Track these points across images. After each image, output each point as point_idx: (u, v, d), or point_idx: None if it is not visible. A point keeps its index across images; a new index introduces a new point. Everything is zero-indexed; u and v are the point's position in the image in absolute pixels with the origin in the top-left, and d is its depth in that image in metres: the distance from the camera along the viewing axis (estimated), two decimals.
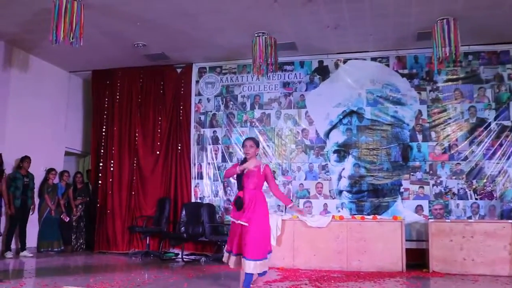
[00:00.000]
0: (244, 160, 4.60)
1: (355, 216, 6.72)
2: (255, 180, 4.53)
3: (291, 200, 4.70)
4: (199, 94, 8.36)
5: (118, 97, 8.73)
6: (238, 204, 4.50)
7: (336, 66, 7.75)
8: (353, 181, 7.38)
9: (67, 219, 8.24)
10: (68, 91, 9.12)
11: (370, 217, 6.54)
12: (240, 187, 4.59)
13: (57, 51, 7.61)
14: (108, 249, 8.20)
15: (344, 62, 7.72)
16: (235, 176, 4.65)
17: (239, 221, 4.45)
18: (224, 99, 8.22)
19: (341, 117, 7.57)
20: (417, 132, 7.25)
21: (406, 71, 7.48)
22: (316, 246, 6.41)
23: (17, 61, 7.85)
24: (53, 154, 8.61)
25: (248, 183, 4.53)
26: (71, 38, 5.45)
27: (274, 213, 7.16)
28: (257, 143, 4.66)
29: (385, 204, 7.19)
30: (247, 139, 4.67)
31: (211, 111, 8.25)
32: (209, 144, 8.14)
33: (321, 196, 7.48)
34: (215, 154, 8.09)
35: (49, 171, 8.18)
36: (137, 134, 8.49)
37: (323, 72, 7.81)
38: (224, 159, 8.03)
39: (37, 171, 7.96)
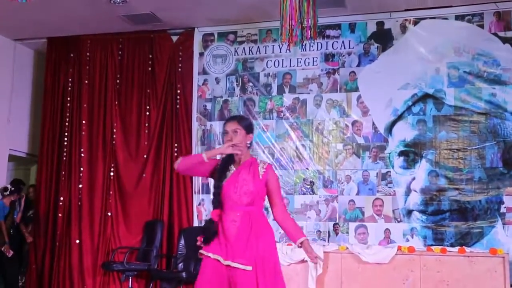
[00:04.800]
0: (229, 160, 4.09)
1: (432, 247, 6.67)
2: (251, 190, 3.95)
3: (304, 234, 4.09)
4: (204, 72, 8.45)
5: (87, 76, 8.82)
6: (207, 231, 3.94)
7: (403, 29, 7.75)
8: (428, 196, 7.36)
9: (10, 254, 8.29)
10: (12, 68, 9.23)
11: (455, 249, 6.50)
12: (217, 202, 3.99)
13: None
14: None
15: (415, 23, 7.72)
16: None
17: (228, 263, 3.83)
18: (240, 79, 8.29)
19: (410, 103, 7.57)
20: None
21: (510, 34, 7.43)
22: None
23: None
24: None
25: (236, 195, 3.95)
26: None
27: (313, 242, 7.20)
28: (247, 125, 4.09)
29: (478, 231, 7.15)
30: (228, 120, 4.20)
31: (221, 97, 8.34)
32: (219, 144, 8.12)
33: (381, 218, 7.49)
34: None
35: None
36: (115, 130, 8.60)
37: (383, 38, 7.82)
38: None
39: None
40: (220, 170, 4.03)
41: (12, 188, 8.55)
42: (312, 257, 3.99)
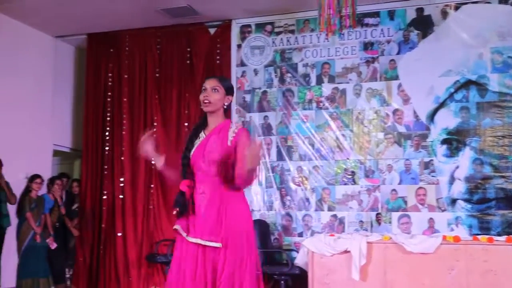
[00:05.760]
0: (201, 125, 3.77)
1: (478, 236, 6.51)
2: (215, 158, 3.56)
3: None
4: (242, 64, 8.45)
5: (126, 71, 8.92)
6: (181, 205, 3.57)
7: (444, 15, 7.61)
8: (473, 185, 7.24)
9: (54, 246, 8.37)
10: (54, 64, 9.34)
11: (503, 238, 6.31)
12: (184, 172, 3.65)
13: (38, 8, 7.76)
14: None
15: (456, 8, 7.56)
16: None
17: (197, 240, 3.50)
18: (279, 70, 8.26)
19: (452, 90, 7.44)
20: None
21: None
22: (419, 281, 6.25)
23: None
24: (36, 154, 8.82)
25: (205, 164, 3.58)
26: None
27: (356, 232, 7.16)
28: (228, 86, 3.75)
29: None
30: (208, 77, 3.81)
31: (260, 88, 8.32)
32: (259, 135, 8.16)
33: (425, 208, 7.41)
34: (268, 149, 8.11)
35: (32, 178, 8.29)
36: (155, 124, 8.67)
37: (423, 25, 7.70)
38: (280, 156, 8.06)
39: (15, 180, 8.12)
40: (189, 138, 3.73)
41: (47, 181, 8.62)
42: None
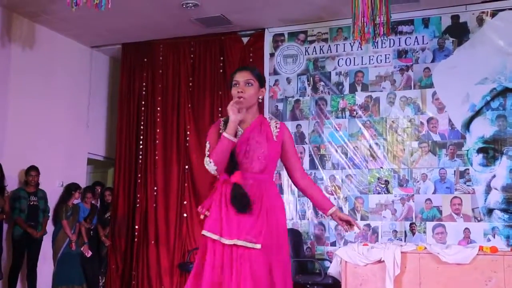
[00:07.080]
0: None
1: None
2: (265, 154, 3.33)
3: (332, 203, 3.51)
4: (275, 72, 8.42)
5: (160, 80, 8.92)
6: (240, 199, 3.26)
7: (480, 22, 7.47)
8: (510, 194, 7.08)
9: (89, 254, 8.45)
10: (90, 74, 9.44)
11: None
12: (234, 165, 3.33)
13: (74, 19, 7.85)
14: None
15: (493, 15, 7.42)
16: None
17: (234, 241, 3.22)
18: (312, 79, 8.20)
19: (488, 98, 7.29)
20: None
21: None
22: None
23: (19, 33, 8.13)
24: (71, 162, 8.91)
25: (247, 160, 3.34)
26: None
27: (389, 242, 7.06)
28: (260, 77, 3.46)
29: None
30: (238, 70, 3.53)
31: (292, 97, 8.27)
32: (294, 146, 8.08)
33: (460, 218, 7.26)
34: (301, 158, 8.01)
35: (73, 188, 8.40)
36: (188, 133, 8.66)
37: (459, 32, 7.57)
38: (313, 165, 7.99)
39: (51, 188, 8.23)
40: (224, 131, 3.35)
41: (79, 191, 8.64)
42: (353, 221, 3.42)
